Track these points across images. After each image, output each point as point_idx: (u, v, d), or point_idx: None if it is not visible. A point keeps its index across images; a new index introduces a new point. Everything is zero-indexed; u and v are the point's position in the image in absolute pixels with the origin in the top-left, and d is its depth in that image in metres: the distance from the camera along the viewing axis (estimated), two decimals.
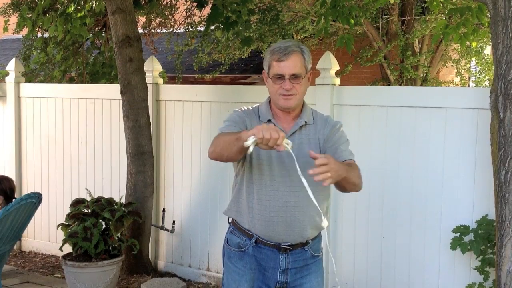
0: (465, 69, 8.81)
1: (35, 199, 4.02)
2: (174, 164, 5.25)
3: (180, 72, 8.24)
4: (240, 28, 5.10)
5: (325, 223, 2.57)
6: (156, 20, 8.35)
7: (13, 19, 6.98)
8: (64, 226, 4.59)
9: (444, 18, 6.82)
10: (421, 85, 7.93)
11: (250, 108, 2.57)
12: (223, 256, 2.67)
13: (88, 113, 5.71)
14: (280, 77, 2.42)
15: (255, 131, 2.10)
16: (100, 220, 4.56)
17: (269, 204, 2.43)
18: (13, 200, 4.07)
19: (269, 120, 2.49)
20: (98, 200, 4.70)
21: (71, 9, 5.82)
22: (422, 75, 8.15)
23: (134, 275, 5.10)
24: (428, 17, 7.58)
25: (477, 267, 3.76)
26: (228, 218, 2.65)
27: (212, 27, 5.47)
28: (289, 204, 2.44)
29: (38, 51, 7.28)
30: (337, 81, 4.50)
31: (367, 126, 4.31)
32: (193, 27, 7.86)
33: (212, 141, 2.38)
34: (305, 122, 2.50)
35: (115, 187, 5.46)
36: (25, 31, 6.66)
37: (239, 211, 2.54)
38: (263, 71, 2.53)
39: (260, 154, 2.45)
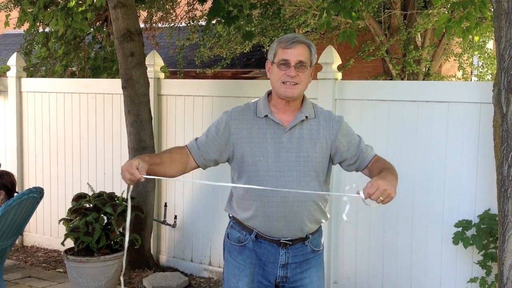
0: (467, 63, 8.76)
1: (37, 194, 4.03)
2: None
3: (181, 67, 8.23)
4: (242, 22, 5.08)
5: (325, 217, 2.57)
6: (158, 15, 8.35)
7: (14, 13, 6.98)
8: (66, 221, 4.59)
9: (446, 12, 6.79)
10: (424, 80, 7.90)
11: (250, 103, 2.54)
12: (224, 250, 2.66)
13: (90, 108, 5.71)
14: (285, 63, 2.39)
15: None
16: (102, 215, 4.56)
17: (267, 200, 2.42)
18: (15, 194, 4.08)
19: (265, 116, 2.46)
20: (100, 195, 4.70)
21: (72, 3, 5.81)
22: (424, 70, 8.12)
23: (136, 270, 5.10)
24: (430, 11, 7.55)
25: (480, 261, 3.75)
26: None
27: (214, 22, 5.46)
28: (288, 199, 2.42)
29: (40, 45, 7.28)
30: (339, 75, 4.49)
31: (369, 120, 4.30)
32: (195, 22, 7.84)
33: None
34: (306, 116, 2.47)
35: (116, 181, 5.45)
36: (26, 25, 6.65)
37: (239, 207, 2.53)
38: (267, 61, 2.49)
39: (255, 150, 2.43)
